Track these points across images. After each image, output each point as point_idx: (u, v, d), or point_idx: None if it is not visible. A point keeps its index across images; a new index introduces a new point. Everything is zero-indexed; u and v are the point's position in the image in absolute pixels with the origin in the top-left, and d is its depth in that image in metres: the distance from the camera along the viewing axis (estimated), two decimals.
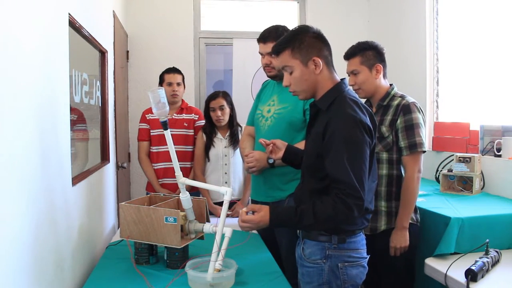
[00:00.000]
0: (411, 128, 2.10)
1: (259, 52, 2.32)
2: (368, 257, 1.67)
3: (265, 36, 2.27)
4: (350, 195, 1.45)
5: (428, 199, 2.56)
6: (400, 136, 2.12)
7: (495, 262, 1.90)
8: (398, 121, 2.12)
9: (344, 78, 1.65)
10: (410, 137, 2.10)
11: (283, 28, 2.28)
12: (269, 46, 2.23)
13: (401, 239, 2.10)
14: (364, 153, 1.49)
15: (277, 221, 1.55)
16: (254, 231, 2.52)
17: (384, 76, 2.22)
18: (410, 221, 2.14)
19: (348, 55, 2.20)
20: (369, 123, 1.53)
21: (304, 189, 1.67)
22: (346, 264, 1.58)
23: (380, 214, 2.17)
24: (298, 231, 1.74)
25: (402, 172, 2.17)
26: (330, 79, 1.60)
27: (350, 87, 1.65)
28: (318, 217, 1.48)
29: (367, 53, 2.15)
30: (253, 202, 2.41)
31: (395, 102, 2.17)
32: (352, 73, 2.20)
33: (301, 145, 2.04)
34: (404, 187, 2.12)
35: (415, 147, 2.09)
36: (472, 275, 1.74)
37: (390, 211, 2.16)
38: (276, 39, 2.21)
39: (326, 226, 1.54)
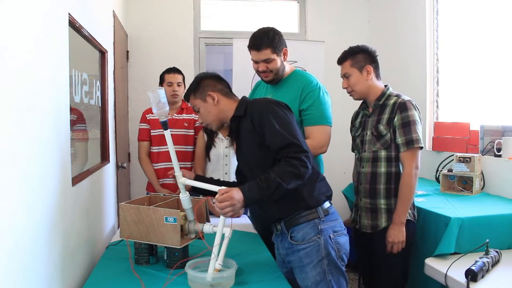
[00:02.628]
0: (408, 125, 2.13)
1: (253, 60, 2.29)
2: (345, 228, 1.86)
3: (258, 44, 2.22)
4: (296, 151, 1.66)
5: (428, 199, 2.56)
6: (397, 133, 2.15)
7: (495, 262, 1.90)
8: (395, 118, 2.15)
9: (245, 96, 1.93)
10: (407, 133, 2.13)
11: (273, 31, 2.24)
12: (264, 53, 2.21)
13: (398, 234, 2.12)
14: (290, 119, 1.76)
15: (249, 193, 1.62)
16: (254, 231, 2.52)
17: (378, 77, 2.26)
18: (408, 217, 2.16)
19: (340, 60, 2.28)
20: (283, 103, 1.82)
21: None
22: (335, 234, 1.79)
23: (380, 211, 2.20)
24: (279, 227, 1.85)
25: (401, 169, 2.19)
26: (232, 102, 1.87)
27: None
28: (282, 176, 1.62)
29: (357, 56, 2.22)
30: None
31: (391, 101, 2.20)
32: (344, 76, 2.26)
33: None
34: (402, 182, 2.14)
35: (412, 143, 2.12)
36: (472, 275, 1.74)
37: (390, 208, 2.18)
38: (269, 44, 2.20)
39: (290, 183, 1.64)
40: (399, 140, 2.14)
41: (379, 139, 2.19)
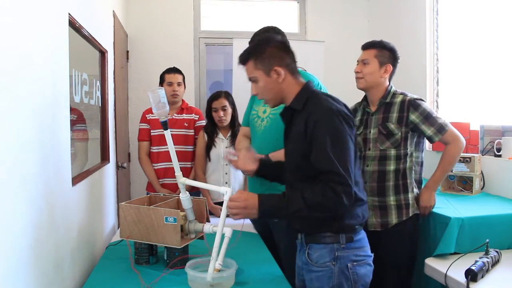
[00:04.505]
0: (430, 116, 2.17)
1: None
2: (373, 255, 1.66)
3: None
4: (338, 182, 1.47)
5: None
6: (422, 128, 2.17)
7: (495, 262, 1.89)
8: (413, 116, 2.17)
9: (310, 81, 1.69)
10: (434, 123, 2.16)
11: (274, 30, 2.25)
12: None
13: (430, 199, 2.22)
14: (347, 142, 1.53)
15: (266, 203, 1.53)
16: (254, 231, 2.52)
17: (390, 80, 2.28)
18: (416, 211, 2.22)
19: (367, 46, 2.27)
20: (346, 111, 1.57)
21: None
22: (354, 263, 1.59)
23: (390, 208, 2.20)
24: (299, 237, 1.72)
25: (408, 164, 2.20)
26: (296, 84, 1.64)
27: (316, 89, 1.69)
28: (307, 202, 1.48)
29: (384, 51, 2.23)
30: None
31: (398, 99, 2.22)
32: (363, 62, 2.25)
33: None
34: (447, 152, 2.19)
35: (443, 128, 2.16)
36: (472, 275, 1.73)
37: (400, 204, 2.20)
38: None
39: (314, 212, 1.51)
40: (429, 132, 2.16)
41: (389, 137, 2.19)
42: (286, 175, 1.71)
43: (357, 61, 2.29)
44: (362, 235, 1.64)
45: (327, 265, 1.58)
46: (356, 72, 2.26)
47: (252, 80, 1.65)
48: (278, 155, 1.93)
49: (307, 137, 1.53)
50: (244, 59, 1.65)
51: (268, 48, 1.61)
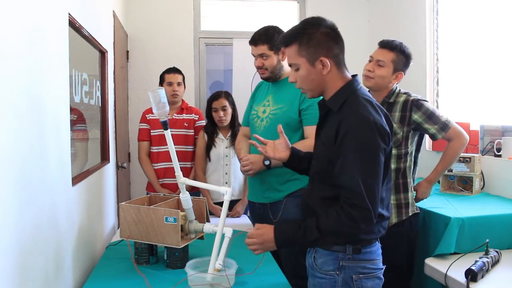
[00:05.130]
0: (433, 115, 2.18)
1: (252, 54, 2.31)
2: (384, 268, 1.54)
3: (255, 39, 2.25)
4: (355, 206, 1.35)
5: (428, 199, 2.54)
6: (426, 126, 2.17)
7: (495, 262, 1.90)
8: (415, 116, 2.17)
9: (356, 75, 1.52)
10: (437, 121, 2.17)
11: (274, 29, 2.26)
12: (260, 49, 2.24)
13: (427, 192, 2.29)
14: (378, 159, 1.38)
15: (281, 235, 1.48)
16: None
17: (398, 82, 2.26)
18: (415, 211, 2.21)
19: (387, 46, 2.21)
20: (384, 124, 1.41)
21: (315, 196, 1.53)
22: (361, 276, 1.47)
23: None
24: None
25: (408, 163, 2.20)
26: (340, 78, 1.48)
27: (363, 86, 1.53)
28: (323, 232, 1.39)
29: (402, 57, 2.19)
30: (250, 203, 2.42)
31: (401, 99, 2.22)
32: (377, 62, 2.19)
33: (297, 145, 2.03)
34: (451, 147, 2.20)
35: (446, 125, 2.17)
36: (472, 275, 1.74)
37: (399, 204, 2.20)
38: (267, 40, 2.22)
39: (333, 240, 1.44)
40: (432, 130, 2.16)
41: None
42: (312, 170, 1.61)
43: (371, 57, 2.23)
44: (374, 247, 1.50)
45: (330, 274, 1.48)
46: (368, 70, 2.20)
47: (294, 67, 1.48)
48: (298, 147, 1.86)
49: (336, 144, 1.41)
50: (287, 41, 1.46)
51: (317, 33, 1.44)
